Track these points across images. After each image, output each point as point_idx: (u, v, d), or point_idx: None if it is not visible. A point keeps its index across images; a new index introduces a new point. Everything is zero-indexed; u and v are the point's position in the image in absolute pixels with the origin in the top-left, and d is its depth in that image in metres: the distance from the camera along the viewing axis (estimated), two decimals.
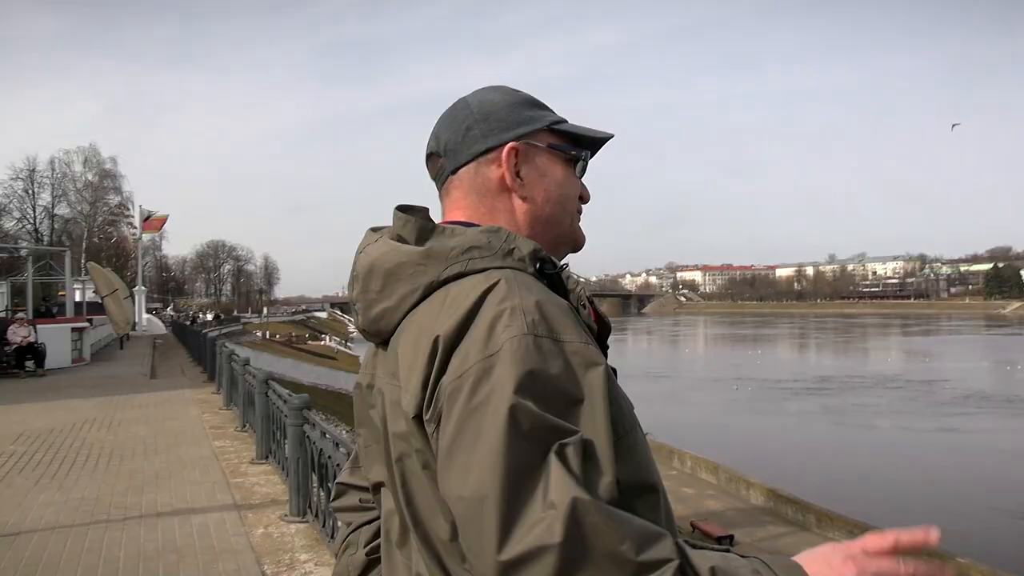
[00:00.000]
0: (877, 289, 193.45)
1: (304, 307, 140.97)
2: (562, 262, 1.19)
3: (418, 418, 1.01)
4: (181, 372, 20.09)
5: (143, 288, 51.69)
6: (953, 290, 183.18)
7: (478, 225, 1.17)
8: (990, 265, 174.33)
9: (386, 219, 1.20)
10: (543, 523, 0.84)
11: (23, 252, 30.19)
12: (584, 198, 1.29)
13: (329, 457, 5.03)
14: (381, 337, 1.14)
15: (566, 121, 1.27)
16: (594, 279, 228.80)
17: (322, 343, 71.91)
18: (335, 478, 4.83)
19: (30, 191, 63.82)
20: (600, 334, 1.15)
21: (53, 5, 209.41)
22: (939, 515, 16.80)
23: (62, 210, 65.39)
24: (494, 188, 1.21)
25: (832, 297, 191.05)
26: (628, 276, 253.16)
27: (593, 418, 0.93)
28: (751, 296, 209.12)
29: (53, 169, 64.72)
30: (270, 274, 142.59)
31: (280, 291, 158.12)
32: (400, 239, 1.14)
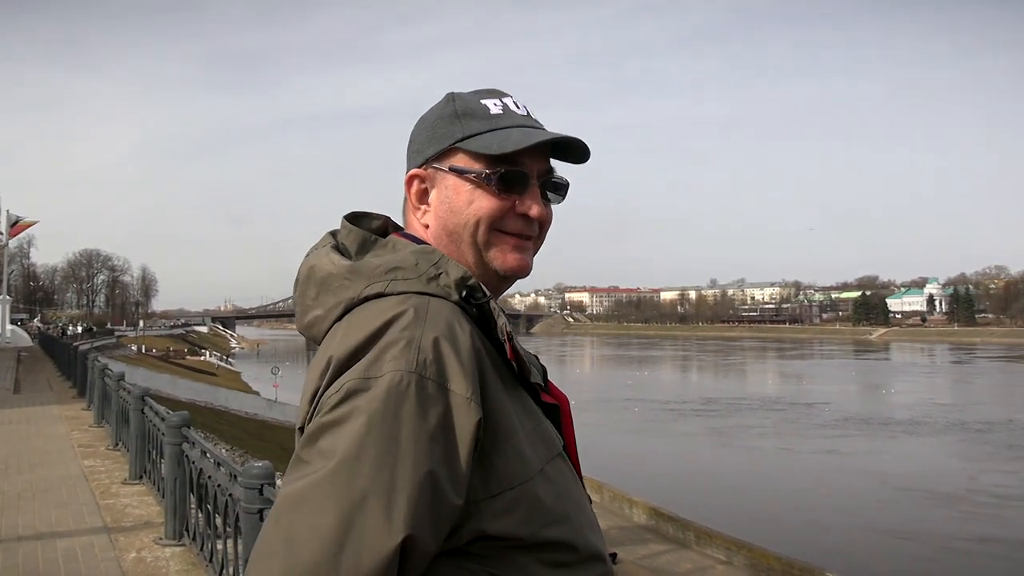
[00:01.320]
0: (755, 313, 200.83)
1: (184, 321, 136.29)
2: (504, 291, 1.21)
3: (302, 430, 1.03)
4: (48, 387, 19.05)
5: (7, 298, 49.10)
6: (825, 316, 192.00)
7: (420, 240, 1.20)
8: (859, 293, 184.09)
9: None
10: (275, 559, 0.90)
11: None
12: (527, 215, 1.19)
13: (209, 477, 4.84)
14: (316, 342, 1.14)
15: (484, 134, 1.18)
16: None
17: (202, 358, 69.75)
18: (215, 499, 4.67)
19: None
20: (520, 370, 1.11)
21: None
22: (814, 532, 17.61)
23: None
24: (411, 209, 1.24)
25: (713, 320, 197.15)
26: (517, 296, 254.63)
27: (437, 475, 0.93)
28: (637, 318, 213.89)
29: None
30: (148, 286, 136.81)
31: (159, 304, 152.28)
32: (343, 248, 1.18)
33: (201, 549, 5.16)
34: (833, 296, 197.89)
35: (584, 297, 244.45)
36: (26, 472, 8.46)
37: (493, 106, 1.21)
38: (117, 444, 9.64)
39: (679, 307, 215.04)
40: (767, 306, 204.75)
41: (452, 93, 1.25)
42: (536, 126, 1.22)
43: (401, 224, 1.29)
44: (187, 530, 5.65)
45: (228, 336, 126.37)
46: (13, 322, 51.81)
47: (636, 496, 17.60)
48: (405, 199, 1.25)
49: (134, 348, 60.93)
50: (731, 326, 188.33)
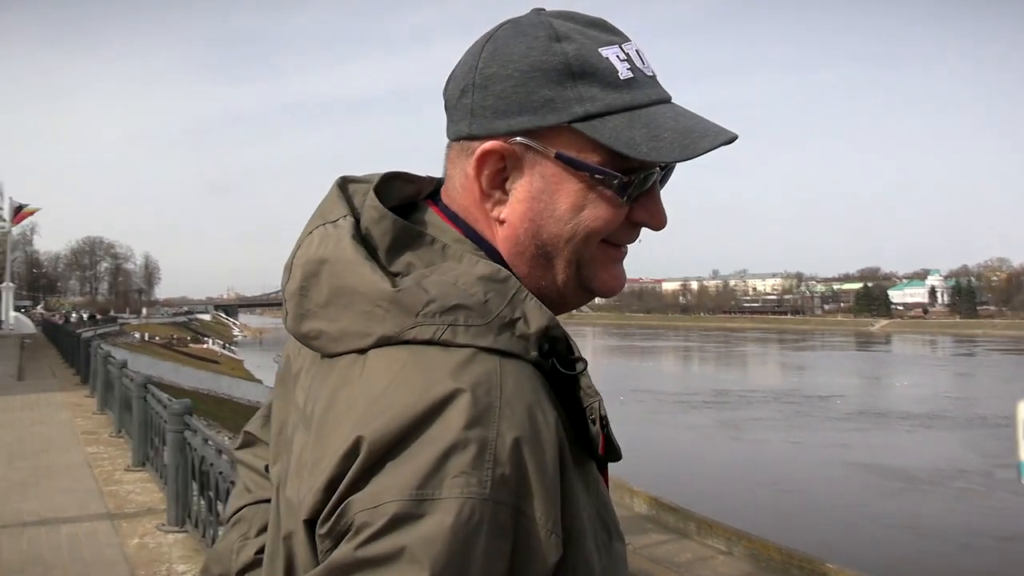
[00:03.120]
0: (757, 304, 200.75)
1: (187, 308, 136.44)
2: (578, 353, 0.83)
3: (310, 522, 0.74)
4: (52, 374, 19.14)
5: (11, 285, 49.22)
6: (827, 307, 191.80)
7: (473, 230, 0.88)
8: (860, 284, 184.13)
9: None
10: None
11: None
12: (648, 225, 0.89)
13: (211, 464, 4.89)
14: (313, 349, 0.86)
15: (616, 115, 0.82)
16: None
17: (204, 346, 69.89)
18: (217, 486, 4.71)
19: None
20: (608, 455, 0.85)
21: None
22: (820, 525, 17.63)
23: None
24: (471, 191, 0.87)
25: (715, 311, 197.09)
26: None
27: None
28: (639, 308, 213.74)
29: None
30: (151, 273, 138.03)
31: (161, 291, 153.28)
32: (367, 237, 0.84)
33: (203, 536, 5.22)
34: (835, 287, 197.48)
35: None
36: (30, 459, 8.52)
37: (621, 65, 0.83)
38: (120, 431, 9.70)
39: (681, 297, 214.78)
40: (769, 297, 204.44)
41: (556, 26, 0.84)
42: (669, 97, 0.87)
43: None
44: (189, 517, 5.71)
45: (231, 324, 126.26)
46: (16, 309, 51.98)
47: (637, 486, 17.66)
48: (453, 163, 0.89)
49: (137, 336, 61.00)
50: (733, 317, 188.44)
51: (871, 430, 31.76)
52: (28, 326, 46.07)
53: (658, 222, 0.88)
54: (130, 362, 10.59)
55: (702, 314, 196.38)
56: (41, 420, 11.32)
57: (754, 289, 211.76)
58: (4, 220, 53.05)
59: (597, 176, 0.82)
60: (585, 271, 0.87)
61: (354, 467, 0.70)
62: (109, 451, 8.90)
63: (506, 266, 0.85)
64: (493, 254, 0.86)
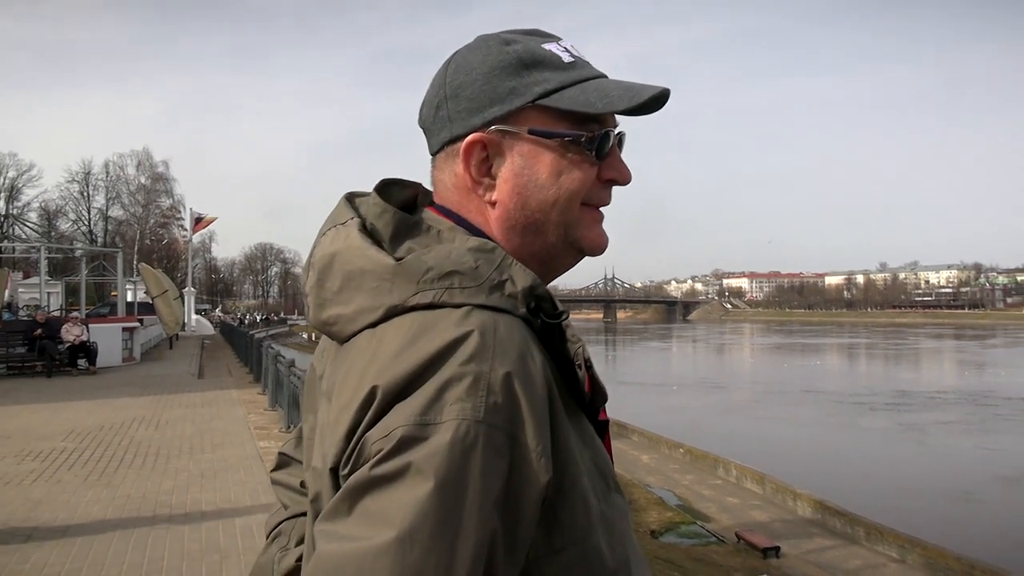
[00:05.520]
0: (930, 298, 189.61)
1: None
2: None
3: (335, 471, 0.83)
4: (228, 372, 20.36)
5: (192, 289, 52.75)
6: (1010, 300, 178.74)
7: (465, 220, 0.99)
8: None
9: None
10: None
11: (77, 253, 30.91)
12: (618, 181, 1.02)
13: None
14: (332, 339, 0.97)
15: (569, 88, 0.97)
16: (639, 285, 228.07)
17: None
18: None
19: (85, 193, 65.91)
20: (592, 402, 0.97)
21: (115, 12, 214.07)
22: (1008, 538, 16.21)
23: (115, 212, 67.42)
24: (463, 185, 0.99)
25: (883, 306, 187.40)
26: (673, 282, 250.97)
27: (499, 546, 0.77)
28: (799, 304, 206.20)
29: (107, 172, 66.81)
30: None
31: None
32: (372, 231, 0.95)
33: None
34: (1019, 279, 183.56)
35: (743, 283, 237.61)
36: (208, 452, 9.06)
37: (563, 53, 0.99)
38: (289, 427, 10.15)
39: (845, 292, 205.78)
40: (943, 290, 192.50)
41: (499, 35, 1.01)
42: (606, 75, 1.02)
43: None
44: None
45: None
46: (197, 312, 55.51)
47: (800, 488, 16.97)
48: (440, 168, 1.02)
49: (305, 336, 63.94)
50: (902, 312, 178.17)
51: None
52: (208, 328, 49.19)
53: (624, 176, 1.01)
54: (299, 361, 11.07)
55: (869, 309, 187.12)
56: (218, 416, 12.02)
57: (926, 282, 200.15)
58: (186, 230, 57.01)
59: (567, 140, 0.96)
60: (572, 232, 0.99)
61: (370, 411, 0.81)
62: (279, 446, 9.31)
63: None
64: (484, 237, 0.97)
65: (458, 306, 0.86)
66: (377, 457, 0.77)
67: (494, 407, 0.78)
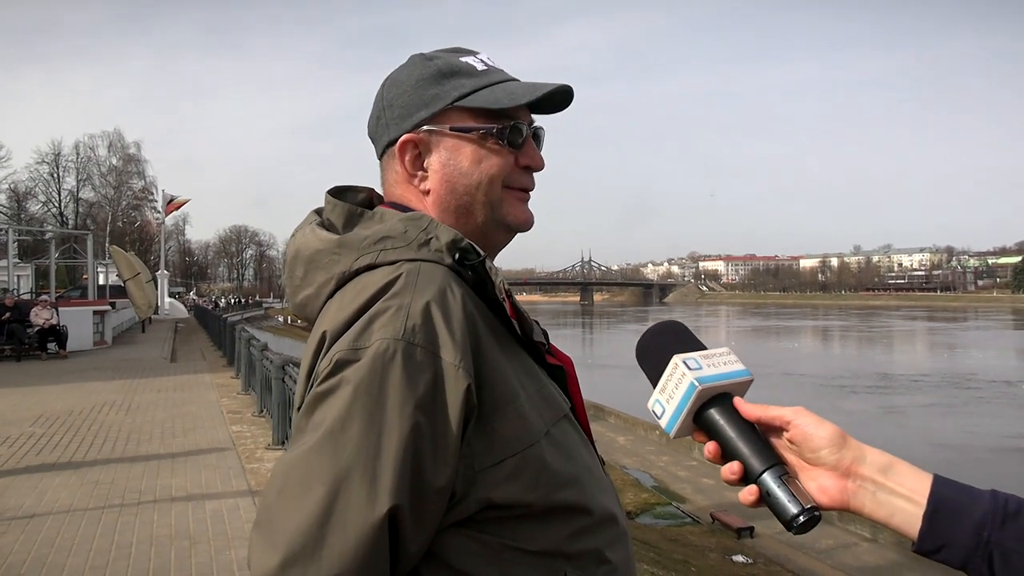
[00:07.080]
0: (903, 281, 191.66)
1: None
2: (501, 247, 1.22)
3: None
4: (201, 356, 20.20)
5: (166, 272, 52.19)
6: (980, 283, 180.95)
7: (408, 208, 1.17)
8: (1019, 258, 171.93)
9: None
10: (267, 531, 0.91)
11: (47, 235, 30.36)
12: (532, 167, 1.20)
13: None
14: (310, 322, 1.12)
15: (481, 90, 1.15)
16: (616, 268, 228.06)
17: None
18: None
19: (55, 175, 64.74)
20: (522, 330, 1.09)
21: None
22: None
23: (86, 194, 66.26)
24: (402, 180, 1.19)
25: (856, 289, 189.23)
26: (650, 265, 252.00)
27: (424, 445, 0.92)
28: (774, 287, 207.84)
29: (78, 153, 65.60)
30: None
31: None
32: (329, 224, 1.15)
33: None
34: (990, 262, 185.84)
35: (719, 266, 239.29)
36: (180, 436, 8.96)
37: (477, 63, 1.19)
38: (262, 411, 10.08)
39: (820, 275, 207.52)
40: (916, 273, 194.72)
41: (423, 54, 1.22)
42: (518, 79, 1.21)
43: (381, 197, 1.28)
44: None
45: None
46: (171, 295, 55.05)
47: None
48: (385, 169, 1.22)
49: (280, 319, 63.74)
50: (876, 294, 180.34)
51: None
52: (181, 311, 48.88)
53: (537, 163, 1.20)
54: (273, 344, 11.00)
55: (843, 292, 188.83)
56: (191, 400, 11.91)
57: (899, 265, 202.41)
58: (159, 212, 56.33)
59: (483, 132, 1.14)
60: (498, 211, 1.17)
61: (322, 352, 0.99)
62: (252, 430, 9.25)
63: None
64: None
65: (392, 263, 1.04)
66: (319, 379, 0.95)
67: (413, 329, 0.95)
